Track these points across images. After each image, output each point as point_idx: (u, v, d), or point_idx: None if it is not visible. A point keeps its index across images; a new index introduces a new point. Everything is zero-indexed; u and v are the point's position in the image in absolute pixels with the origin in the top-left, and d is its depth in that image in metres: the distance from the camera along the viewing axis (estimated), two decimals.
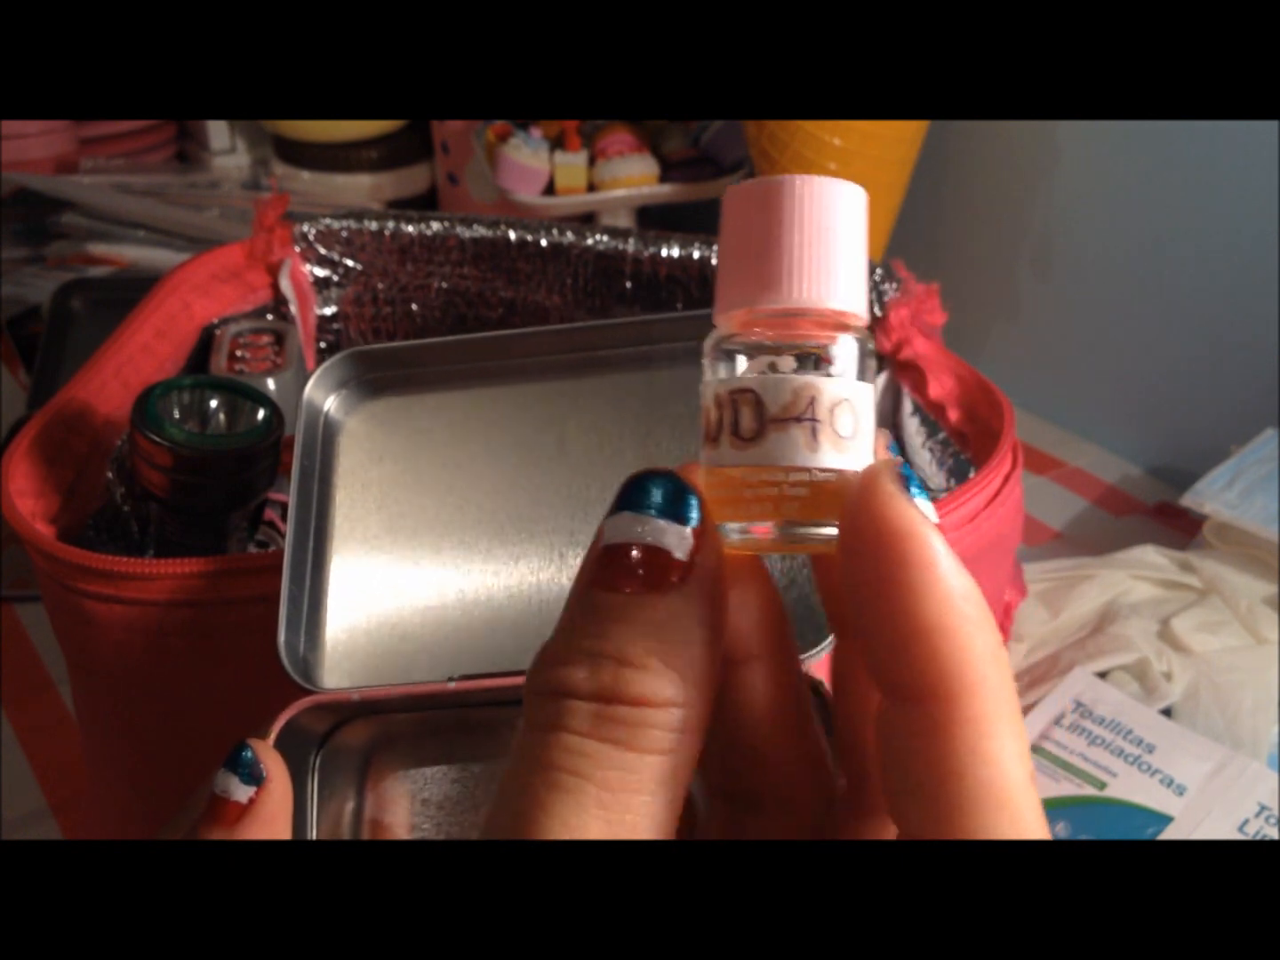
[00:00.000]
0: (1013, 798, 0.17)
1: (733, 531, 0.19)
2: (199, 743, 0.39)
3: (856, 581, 0.18)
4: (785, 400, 0.18)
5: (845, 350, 0.19)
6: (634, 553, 0.18)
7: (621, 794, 0.17)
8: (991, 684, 0.17)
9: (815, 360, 0.19)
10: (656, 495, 0.18)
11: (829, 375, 0.19)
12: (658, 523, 0.18)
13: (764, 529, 0.19)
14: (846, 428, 0.19)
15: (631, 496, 0.19)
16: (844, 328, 0.19)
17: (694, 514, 0.18)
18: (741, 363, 0.19)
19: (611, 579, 0.18)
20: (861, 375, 0.19)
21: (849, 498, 0.18)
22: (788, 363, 0.19)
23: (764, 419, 0.18)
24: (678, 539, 0.18)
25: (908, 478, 0.18)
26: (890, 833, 0.20)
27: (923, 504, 0.18)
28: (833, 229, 0.19)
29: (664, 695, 0.17)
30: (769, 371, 0.19)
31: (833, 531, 0.19)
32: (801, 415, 0.18)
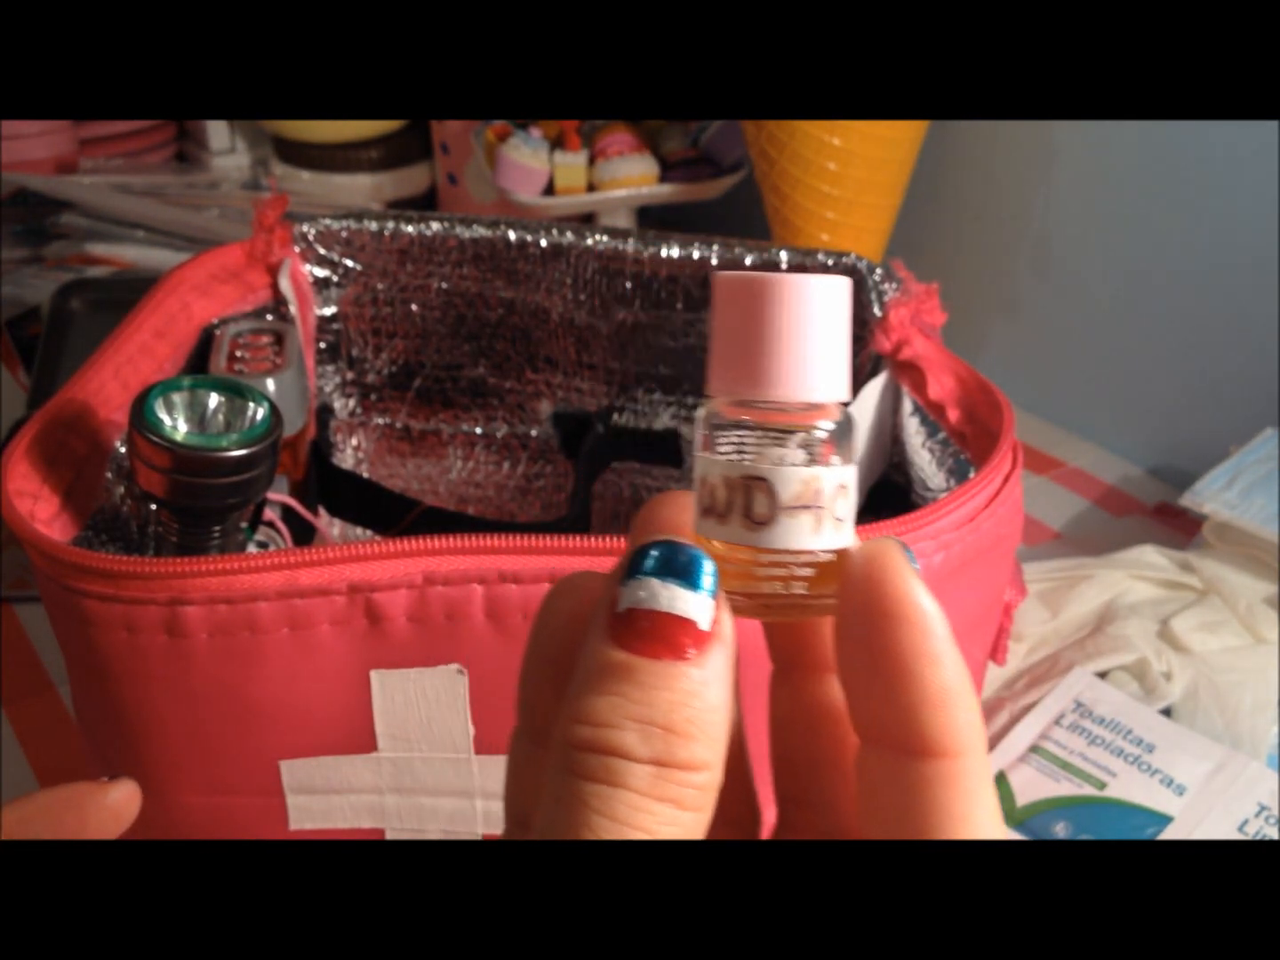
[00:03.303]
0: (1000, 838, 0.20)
1: (740, 600, 0.20)
2: (200, 743, 0.39)
3: (868, 649, 0.20)
4: (795, 490, 0.20)
5: (835, 437, 0.21)
6: (663, 621, 0.19)
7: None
8: (984, 745, 0.20)
9: (809, 445, 0.21)
10: (676, 564, 0.19)
11: (829, 465, 0.20)
12: (685, 593, 0.19)
13: (772, 602, 0.21)
14: (843, 510, 0.21)
15: (649, 563, 0.19)
16: (826, 415, 0.21)
17: (714, 584, 0.19)
18: (737, 440, 0.21)
19: (645, 648, 0.19)
20: (848, 457, 0.21)
21: (862, 574, 0.20)
22: (794, 454, 0.20)
23: (776, 506, 0.20)
24: (702, 609, 0.19)
25: (909, 554, 0.20)
26: None
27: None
28: (815, 326, 0.20)
29: (705, 759, 0.19)
30: (776, 459, 0.20)
31: (831, 602, 0.20)
32: (809, 504, 0.20)
